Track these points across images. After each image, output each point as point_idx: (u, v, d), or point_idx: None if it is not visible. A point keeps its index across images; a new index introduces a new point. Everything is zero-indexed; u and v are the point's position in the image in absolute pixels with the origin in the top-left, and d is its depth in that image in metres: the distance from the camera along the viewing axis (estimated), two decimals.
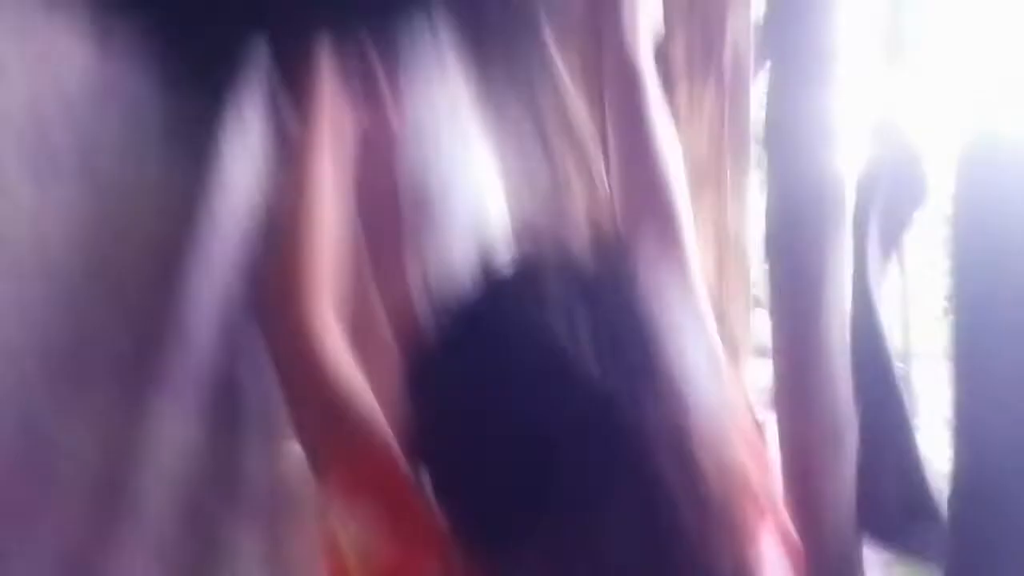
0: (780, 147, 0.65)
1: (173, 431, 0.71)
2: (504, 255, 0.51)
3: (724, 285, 1.16)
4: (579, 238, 0.52)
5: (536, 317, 0.45)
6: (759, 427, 0.71)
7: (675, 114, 1.19)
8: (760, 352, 1.14)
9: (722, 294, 1.16)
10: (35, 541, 0.69)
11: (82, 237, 0.74)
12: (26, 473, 0.70)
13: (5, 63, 0.73)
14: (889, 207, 0.62)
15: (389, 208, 0.77)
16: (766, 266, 0.72)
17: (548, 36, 0.85)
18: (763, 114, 0.74)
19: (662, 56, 1.12)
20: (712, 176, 1.20)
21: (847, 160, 0.64)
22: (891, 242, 0.64)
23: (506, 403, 0.44)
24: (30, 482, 0.70)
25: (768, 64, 0.85)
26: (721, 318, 1.16)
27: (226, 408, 0.74)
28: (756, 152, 1.07)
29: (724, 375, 0.54)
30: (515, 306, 0.47)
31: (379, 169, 0.75)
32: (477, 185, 0.84)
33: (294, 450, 0.69)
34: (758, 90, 1.05)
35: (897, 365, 0.67)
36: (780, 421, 0.70)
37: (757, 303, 1.19)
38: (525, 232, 0.53)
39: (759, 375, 1.09)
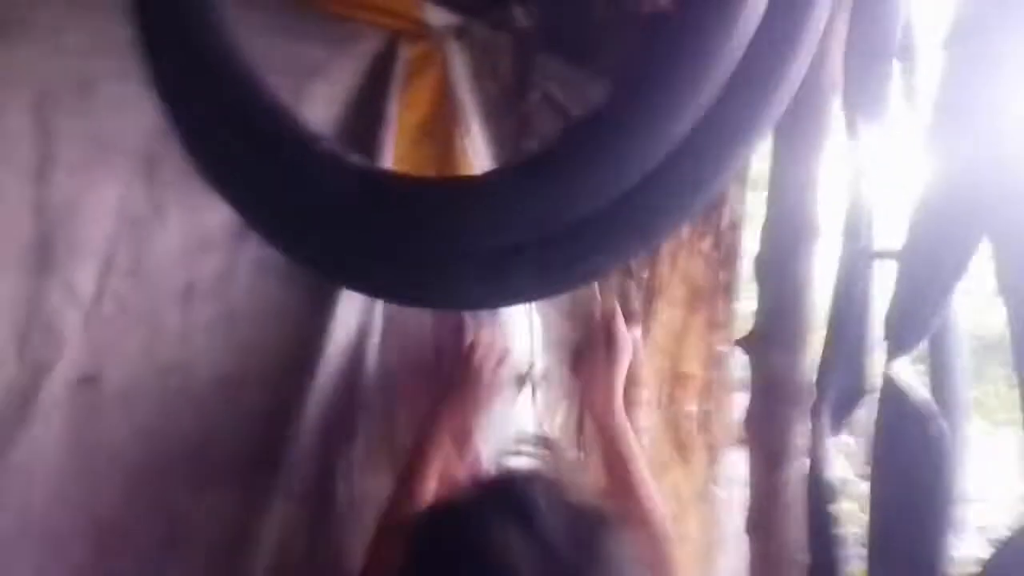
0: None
1: (281, 518, 0.90)
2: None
3: (711, 397, 1.39)
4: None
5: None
6: None
7: (678, 244, 1.43)
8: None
9: (709, 404, 1.39)
10: None
11: (215, 354, 0.94)
12: (159, 542, 0.89)
13: (167, 211, 0.93)
14: (839, 399, 0.85)
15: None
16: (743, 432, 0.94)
17: None
18: None
19: None
20: (705, 299, 1.43)
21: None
22: (839, 424, 0.86)
23: None
24: (164, 554, 0.89)
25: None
26: (706, 425, 1.39)
27: (317, 496, 0.94)
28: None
29: None
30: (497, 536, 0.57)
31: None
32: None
33: None
34: None
35: (835, 516, 0.89)
36: (749, 544, 0.92)
37: None
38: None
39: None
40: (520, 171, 0.61)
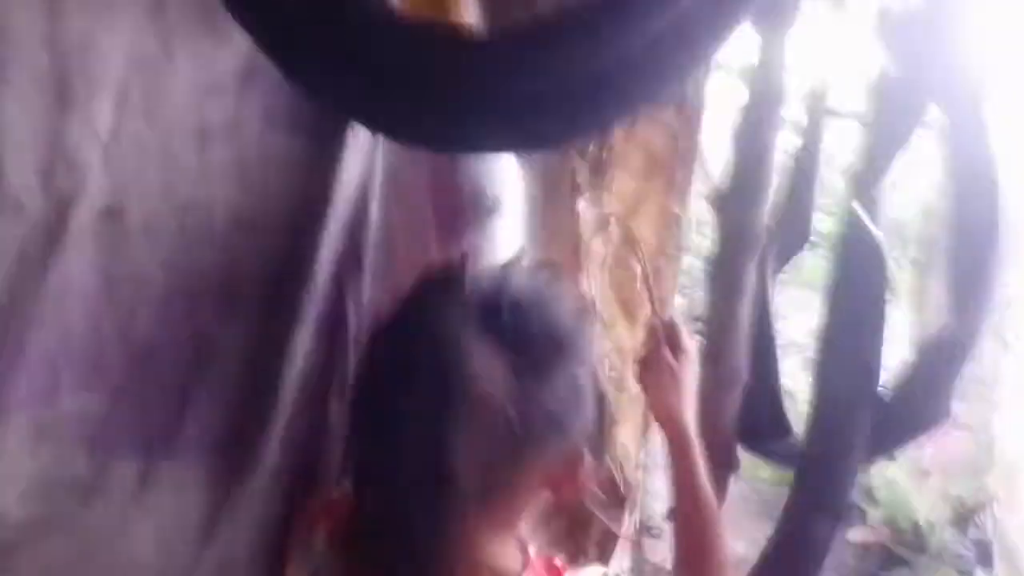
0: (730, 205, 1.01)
1: (299, 339, 1.00)
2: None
3: (661, 252, 1.54)
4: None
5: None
6: None
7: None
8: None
9: (659, 259, 1.55)
10: (196, 417, 0.98)
11: (231, 196, 1.00)
12: (189, 364, 0.98)
13: (175, 53, 0.96)
14: (782, 248, 1.00)
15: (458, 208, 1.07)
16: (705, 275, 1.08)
17: None
18: None
19: None
20: (663, 168, 1.55)
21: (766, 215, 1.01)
22: (782, 267, 1.02)
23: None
24: (195, 375, 0.98)
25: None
26: (657, 276, 1.55)
27: (333, 325, 1.04)
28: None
29: None
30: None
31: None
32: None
33: None
34: None
35: (776, 342, 1.07)
36: (701, 369, 1.09)
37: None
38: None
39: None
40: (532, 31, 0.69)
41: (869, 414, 0.87)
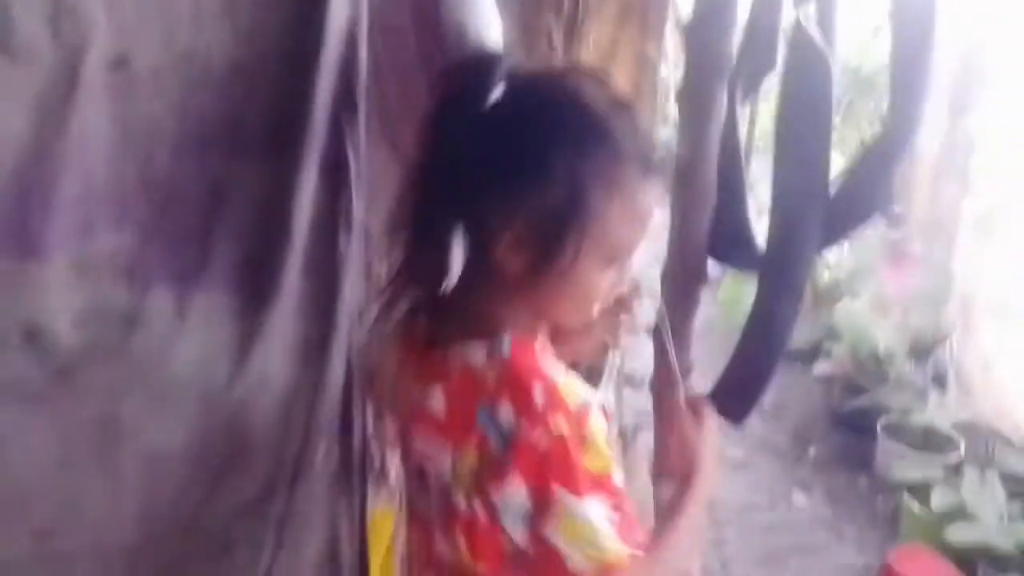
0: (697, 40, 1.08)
1: (304, 179, 1.08)
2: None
3: (638, 97, 1.62)
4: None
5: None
6: None
7: None
8: None
9: (635, 104, 1.63)
10: (219, 252, 1.07)
11: (225, 41, 1.05)
12: (208, 203, 1.06)
13: None
14: (750, 74, 1.08)
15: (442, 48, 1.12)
16: (677, 101, 1.17)
17: None
18: None
19: None
20: (636, 13, 1.60)
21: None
22: (749, 93, 1.10)
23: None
24: (211, 211, 1.07)
25: None
26: None
27: (335, 164, 1.12)
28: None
29: None
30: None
31: None
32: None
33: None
34: None
35: (742, 164, 1.17)
36: (674, 189, 1.20)
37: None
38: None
39: None
40: None
41: (820, 208, 0.98)
